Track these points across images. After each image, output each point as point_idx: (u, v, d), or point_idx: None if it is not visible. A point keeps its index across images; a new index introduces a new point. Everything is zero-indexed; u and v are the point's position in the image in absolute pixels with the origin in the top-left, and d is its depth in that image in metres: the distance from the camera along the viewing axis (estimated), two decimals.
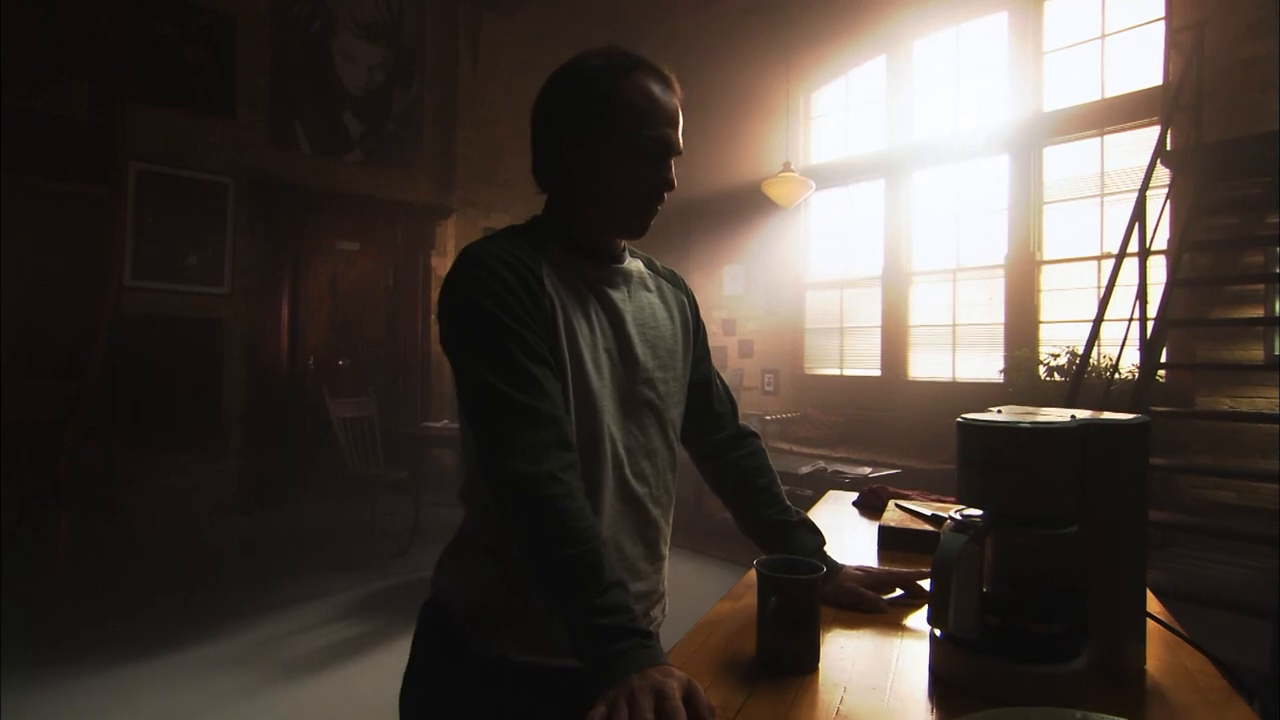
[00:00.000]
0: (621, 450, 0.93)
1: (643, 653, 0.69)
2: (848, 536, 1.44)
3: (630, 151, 0.89)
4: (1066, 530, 0.74)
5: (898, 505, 1.49)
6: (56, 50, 4.42)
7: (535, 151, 0.95)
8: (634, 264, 1.02)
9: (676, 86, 0.91)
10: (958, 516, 0.82)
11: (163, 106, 4.79)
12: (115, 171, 4.57)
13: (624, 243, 1.00)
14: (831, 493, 1.84)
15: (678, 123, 0.91)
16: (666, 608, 1.07)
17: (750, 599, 1.04)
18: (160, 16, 4.81)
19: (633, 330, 0.95)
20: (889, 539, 1.31)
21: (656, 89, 0.89)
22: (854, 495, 1.79)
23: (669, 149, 0.90)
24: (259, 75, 5.23)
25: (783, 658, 0.81)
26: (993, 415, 0.81)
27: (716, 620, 0.98)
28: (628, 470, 0.89)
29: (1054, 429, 0.73)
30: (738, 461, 1.14)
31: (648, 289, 1.03)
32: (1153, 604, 0.90)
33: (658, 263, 1.10)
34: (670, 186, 0.93)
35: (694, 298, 1.11)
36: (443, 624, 0.95)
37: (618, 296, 0.96)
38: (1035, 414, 0.84)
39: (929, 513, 1.37)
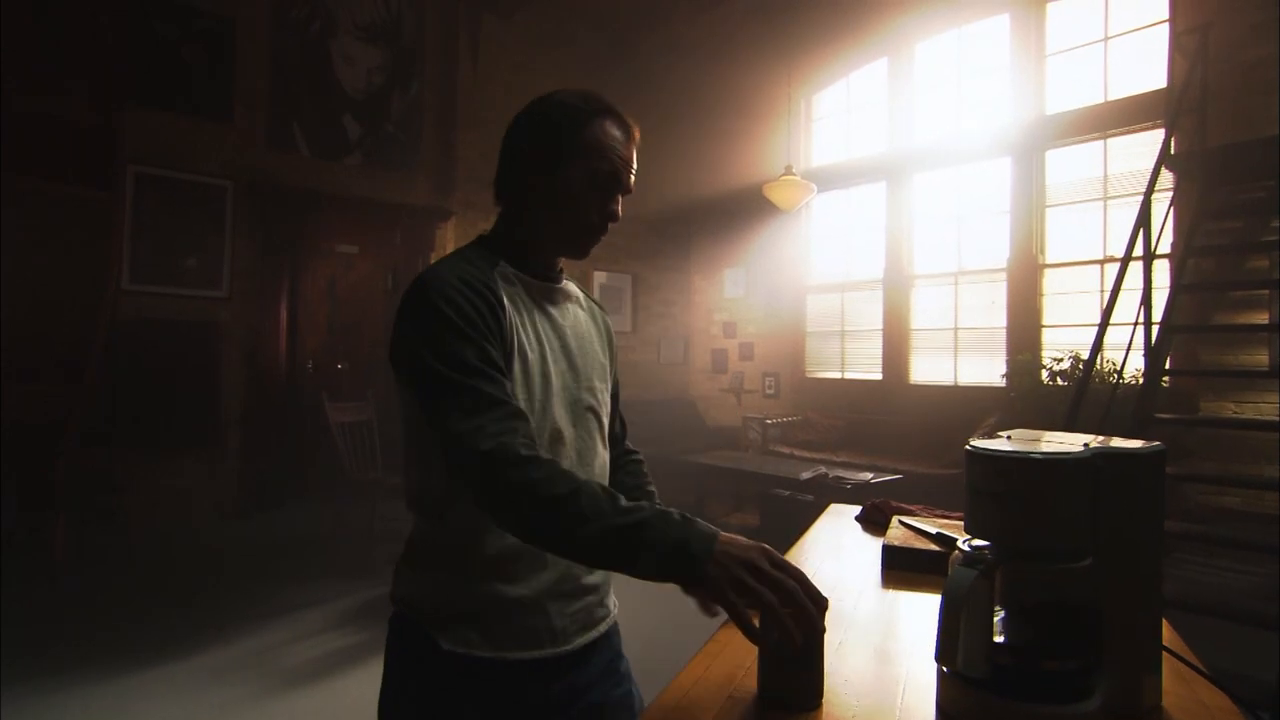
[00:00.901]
0: (574, 453, 1.01)
1: (693, 530, 0.76)
2: (849, 555, 1.42)
3: (588, 183, 0.99)
4: (1080, 564, 0.72)
5: (901, 522, 1.46)
6: (55, 52, 4.40)
7: (504, 168, 1.05)
8: (569, 285, 1.12)
9: (636, 136, 1.05)
10: (965, 547, 0.80)
11: (161, 109, 4.76)
12: (113, 174, 4.55)
13: (561, 264, 1.09)
14: (833, 505, 1.81)
15: (631, 168, 1.03)
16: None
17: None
18: (159, 18, 4.78)
19: (572, 343, 1.05)
20: (893, 559, 1.29)
21: (619, 134, 1.02)
22: (856, 508, 1.76)
23: (619, 186, 1.02)
24: (258, 77, 5.21)
25: (785, 695, 0.78)
26: (1002, 443, 0.79)
27: (716, 650, 0.96)
28: (580, 473, 0.90)
29: (1066, 460, 0.71)
30: (625, 468, 1.24)
31: (580, 307, 1.13)
32: (1168, 634, 0.88)
33: (583, 289, 1.20)
34: (615, 219, 1.03)
35: (610, 326, 1.20)
36: (409, 632, 0.96)
37: (557, 312, 1.06)
38: (1046, 440, 0.82)
39: (934, 531, 1.34)
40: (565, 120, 1.01)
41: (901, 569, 1.27)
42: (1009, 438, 0.83)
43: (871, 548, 1.45)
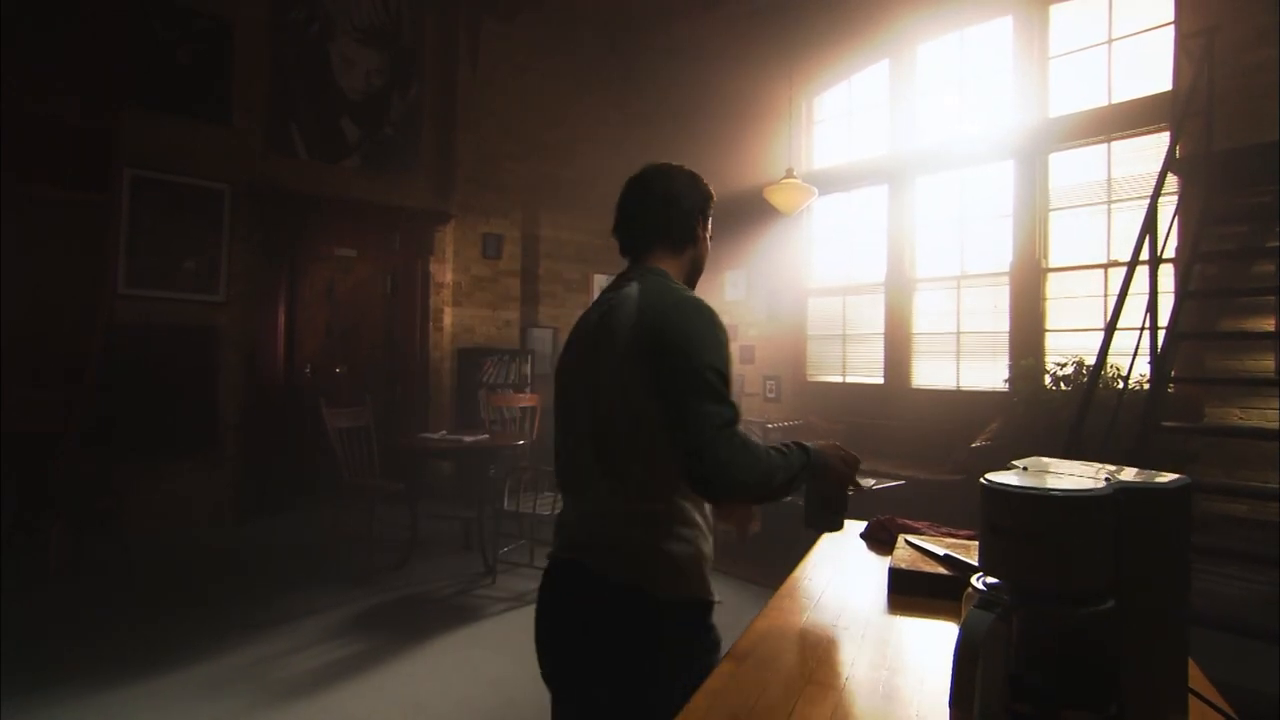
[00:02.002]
0: None
1: (812, 452, 1.27)
2: (854, 577, 1.38)
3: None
4: (1101, 607, 0.68)
5: (908, 541, 1.43)
6: (51, 54, 4.37)
7: (678, 224, 1.40)
8: None
9: None
10: (979, 584, 0.76)
11: (158, 111, 4.73)
12: (110, 177, 4.52)
13: None
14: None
15: None
16: None
17: (758, 655, 0.98)
18: (157, 20, 4.75)
19: None
20: (900, 582, 1.25)
21: None
22: (860, 524, 1.73)
23: None
24: (256, 80, 5.18)
25: (821, 524, 1.37)
26: (1018, 476, 0.75)
27: (719, 688, 0.92)
28: None
29: (1088, 497, 0.67)
30: None
31: None
32: (1193, 674, 0.84)
33: None
34: None
35: None
36: (685, 597, 1.20)
37: None
38: (1061, 471, 0.78)
39: (941, 552, 1.31)
40: (708, 192, 1.46)
41: (908, 593, 1.24)
42: (1024, 468, 0.80)
43: (877, 568, 1.42)
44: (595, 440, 1.22)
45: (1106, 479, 0.72)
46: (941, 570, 1.24)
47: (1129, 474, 0.76)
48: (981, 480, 0.75)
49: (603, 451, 1.21)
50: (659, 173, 1.43)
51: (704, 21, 6.50)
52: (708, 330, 1.20)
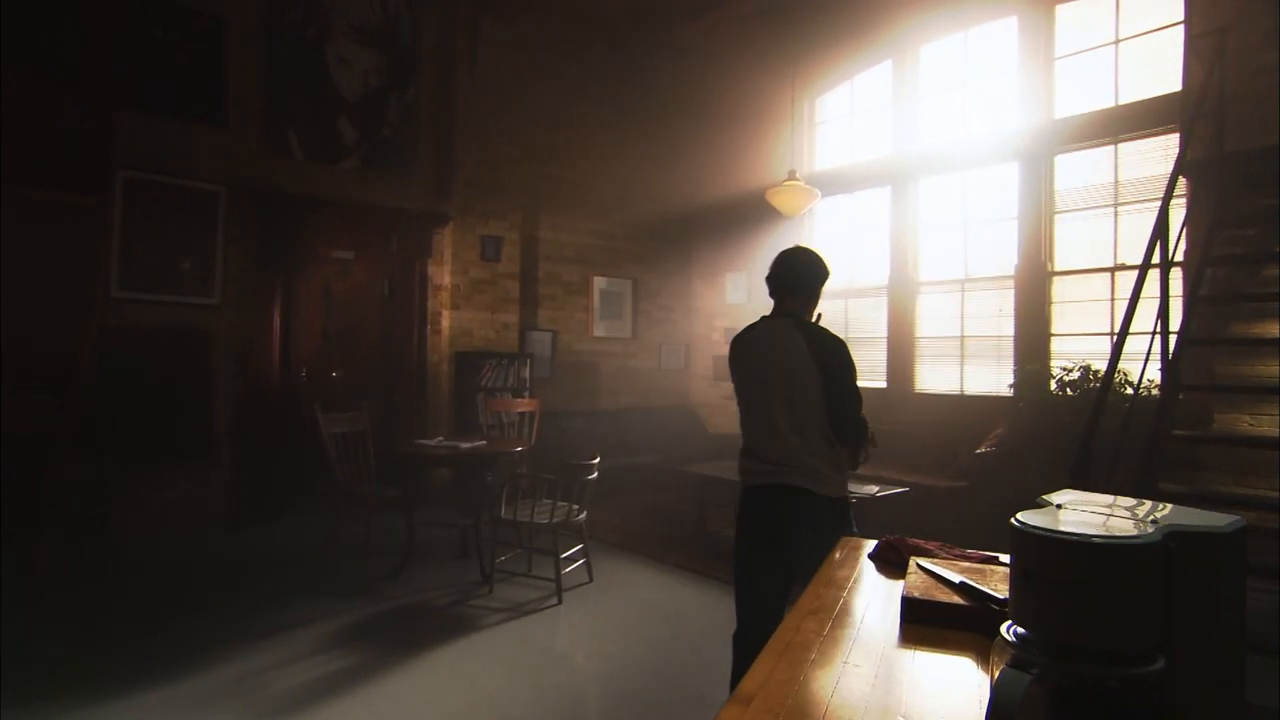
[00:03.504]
0: None
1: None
2: (864, 604, 1.31)
3: None
4: (1150, 668, 0.61)
5: (920, 566, 1.36)
6: (44, 55, 4.31)
7: (805, 287, 2.36)
8: None
9: None
10: (1009, 635, 0.69)
11: (152, 112, 4.67)
12: (103, 179, 4.45)
13: None
14: (844, 540, 1.71)
15: None
16: None
17: (765, 698, 0.91)
18: (151, 21, 4.69)
19: None
20: (913, 612, 1.18)
21: None
22: (869, 543, 1.66)
23: None
24: (251, 80, 5.12)
25: None
26: (1052, 516, 0.68)
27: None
28: None
29: (1135, 545, 0.61)
30: None
31: None
32: None
33: None
34: None
35: None
36: (837, 495, 2.29)
37: None
38: (1102, 511, 0.71)
39: (957, 579, 1.24)
40: (827, 270, 2.42)
41: (922, 623, 1.17)
42: (1057, 505, 0.73)
43: (887, 594, 1.35)
44: (788, 413, 2.25)
45: (1153, 521, 0.65)
46: (958, 600, 1.17)
47: (1173, 512, 0.69)
48: (1012, 521, 0.68)
49: (793, 420, 2.25)
50: (802, 252, 2.42)
51: (705, 22, 6.44)
52: (848, 355, 2.29)
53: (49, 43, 4.34)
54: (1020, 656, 0.62)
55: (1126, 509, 0.70)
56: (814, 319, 2.37)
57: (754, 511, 2.31)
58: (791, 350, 2.23)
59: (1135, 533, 0.62)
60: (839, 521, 2.22)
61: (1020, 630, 0.68)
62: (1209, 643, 0.62)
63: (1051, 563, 0.63)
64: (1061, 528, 0.64)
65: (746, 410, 2.39)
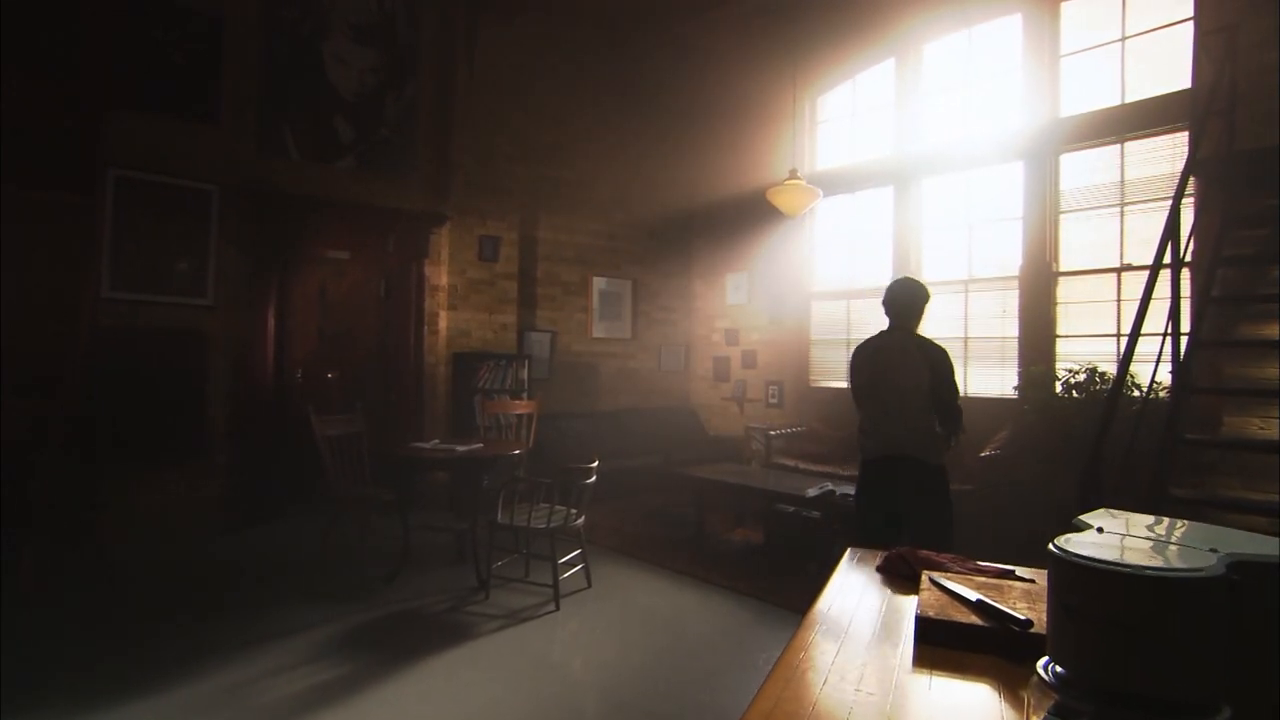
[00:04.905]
0: None
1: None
2: (875, 619, 1.24)
3: None
4: None
5: (933, 581, 1.29)
6: (33, 52, 4.24)
7: (916, 310, 3.14)
8: None
9: None
10: (1047, 674, 0.62)
11: (144, 110, 4.60)
12: (93, 178, 4.38)
13: None
14: (851, 552, 1.64)
15: None
16: None
17: None
18: (143, 17, 4.62)
19: None
20: (928, 633, 1.11)
21: None
22: (877, 556, 1.59)
23: None
24: (246, 78, 5.05)
25: None
26: (1096, 542, 0.61)
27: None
28: None
29: (1197, 579, 0.54)
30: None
31: None
32: None
33: None
34: None
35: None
36: (940, 463, 3.02)
37: None
38: (1149, 536, 0.64)
39: (974, 597, 1.17)
40: (928, 293, 3.20)
41: (938, 644, 1.10)
42: (1099, 529, 0.66)
43: (897, 610, 1.28)
44: (905, 402, 2.97)
45: (1211, 549, 0.58)
46: (976, 620, 1.10)
47: (1231, 537, 0.62)
48: (1051, 548, 0.61)
49: (908, 407, 2.96)
50: (911, 283, 3.18)
51: (706, 20, 6.37)
52: (950, 360, 3.00)
53: (44, 41, 4.27)
54: (1065, 704, 0.55)
55: (1176, 532, 0.63)
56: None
57: (874, 477, 3.06)
58: (910, 356, 2.99)
59: (1197, 565, 0.55)
60: (939, 483, 2.98)
61: (1059, 670, 0.61)
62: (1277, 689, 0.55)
63: (1098, 596, 0.56)
64: (1108, 556, 0.57)
65: (870, 400, 3.11)
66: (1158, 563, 0.55)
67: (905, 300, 3.08)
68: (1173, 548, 0.59)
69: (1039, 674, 0.61)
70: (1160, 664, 0.54)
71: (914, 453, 2.94)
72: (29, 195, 4.20)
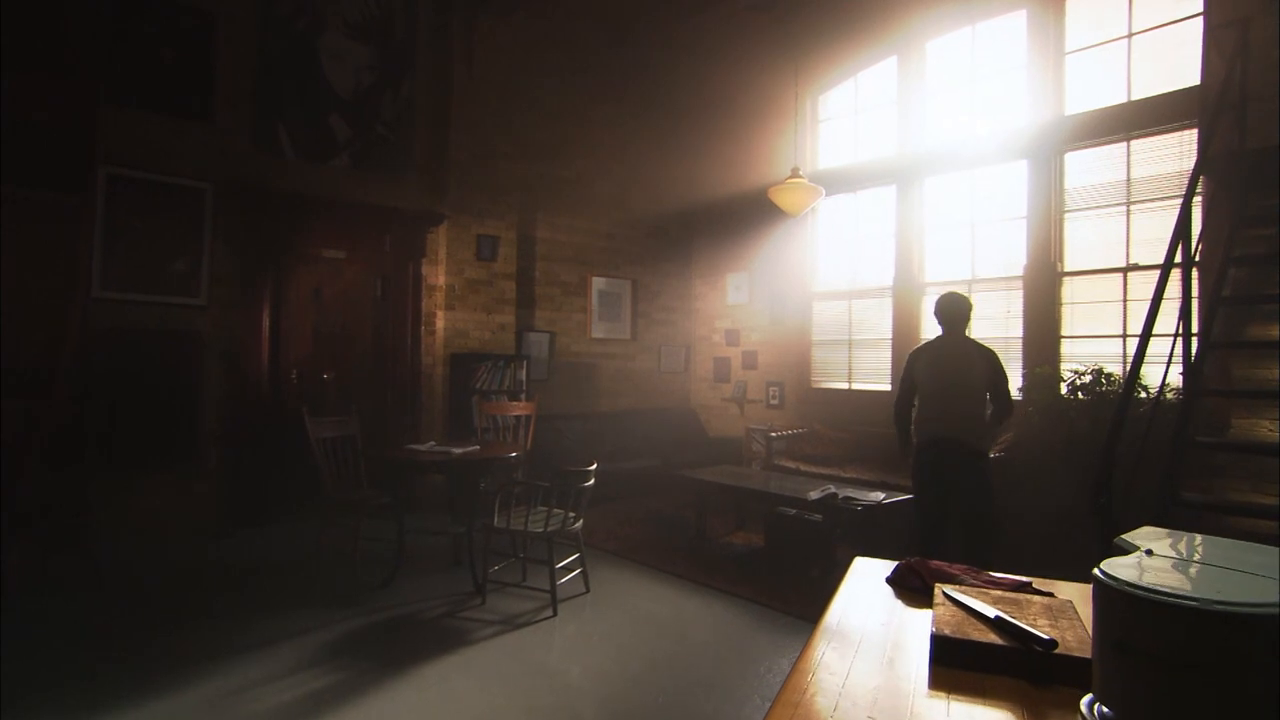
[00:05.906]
0: None
1: None
2: (886, 636, 1.17)
3: None
4: None
5: (947, 595, 1.22)
6: (24, 48, 4.17)
7: (966, 319, 3.68)
8: None
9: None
10: (1093, 717, 0.56)
11: (136, 108, 4.54)
12: (84, 176, 4.32)
13: None
14: (859, 563, 1.57)
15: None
16: None
17: None
18: (136, 14, 4.56)
19: None
20: (945, 652, 1.04)
21: None
22: (884, 564, 1.52)
23: None
24: (240, 75, 4.98)
25: None
26: (1146, 568, 0.55)
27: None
28: None
29: (1267, 614, 0.47)
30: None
31: None
32: None
33: None
34: None
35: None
36: (987, 449, 3.61)
37: None
38: (1205, 561, 0.58)
39: (992, 614, 1.10)
40: (972, 302, 3.73)
41: (955, 665, 1.03)
42: (1148, 551, 0.59)
43: (910, 624, 1.22)
44: (960, 395, 3.50)
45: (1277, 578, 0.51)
46: (996, 639, 1.04)
47: None
48: (1097, 573, 0.54)
49: (963, 398, 3.50)
50: (958, 297, 3.65)
51: (706, 17, 6.31)
52: (1002, 364, 3.56)
53: (34, 38, 4.20)
54: None
55: (1235, 556, 0.56)
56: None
57: (930, 457, 3.54)
58: (969, 356, 3.55)
59: (1268, 597, 0.48)
60: (985, 464, 3.51)
61: (1106, 711, 0.54)
62: None
63: (1153, 632, 0.50)
64: (1168, 585, 0.51)
65: (932, 393, 3.59)
66: (1224, 594, 0.48)
67: (955, 311, 3.63)
68: (1235, 574, 0.53)
69: (1083, 715, 0.54)
70: (1229, 709, 0.47)
71: (966, 438, 3.45)
72: (19, 193, 4.13)
